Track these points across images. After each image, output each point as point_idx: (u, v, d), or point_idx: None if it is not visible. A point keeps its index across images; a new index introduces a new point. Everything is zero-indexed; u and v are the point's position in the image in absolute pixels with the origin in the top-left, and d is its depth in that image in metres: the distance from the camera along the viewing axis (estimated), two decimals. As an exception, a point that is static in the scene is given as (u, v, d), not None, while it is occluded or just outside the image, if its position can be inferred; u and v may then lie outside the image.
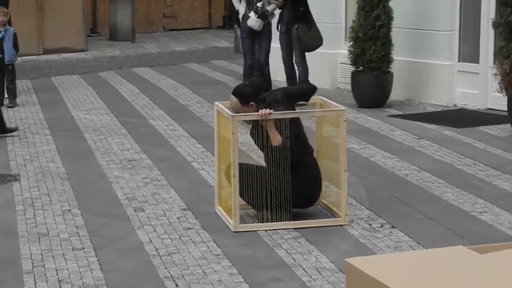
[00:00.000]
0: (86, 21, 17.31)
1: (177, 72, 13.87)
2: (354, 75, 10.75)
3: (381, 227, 6.30)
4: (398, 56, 10.67)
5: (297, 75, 10.97)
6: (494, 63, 9.91)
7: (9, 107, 10.84)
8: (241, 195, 6.36)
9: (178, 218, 6.56)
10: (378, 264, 3.23)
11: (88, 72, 14.09)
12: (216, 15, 20.64)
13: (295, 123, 6.37)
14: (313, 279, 5.36)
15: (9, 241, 6.14)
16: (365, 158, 8.28)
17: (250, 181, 6.32)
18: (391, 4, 10.53)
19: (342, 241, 6.05)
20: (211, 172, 7.63)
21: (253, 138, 6.49)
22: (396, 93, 10.82)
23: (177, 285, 5.31)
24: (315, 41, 10.73)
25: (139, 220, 6.53)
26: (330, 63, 11.96)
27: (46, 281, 5.40)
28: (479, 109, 10.40)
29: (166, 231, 6.26)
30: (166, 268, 5.58)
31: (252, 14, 11.03)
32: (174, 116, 10.29)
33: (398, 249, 5.85)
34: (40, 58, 15.71)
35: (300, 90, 6.70)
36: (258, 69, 11.38)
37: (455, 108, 10.58)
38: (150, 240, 6.08)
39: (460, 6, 10.68)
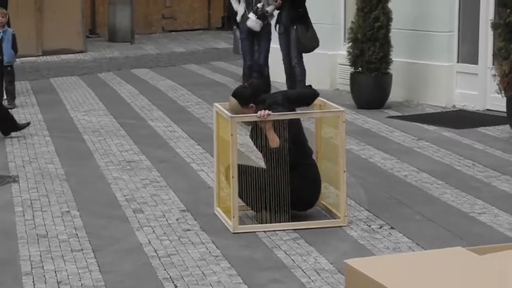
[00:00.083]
0: (85, 23, 17.31)
1: (176, 74, 13.87)
2: (353, 76, 10.75)
3: (380, 228, 6.30)
4: (397, 57, 10.67)
5: (296, 75, 10.95)
6: (493, 64, 9.91)
7: (8, 109, 10.82)
8: (240, 196, 6.36)
9: (177, 219, 6.55)
10: (377, 266, 3.22)
11: (87, 73, 14.09)
12: (215, 16, 20.64)
13: (294, 125, 6.36)
14: (312, 281, 5.36)
15: (8, 242, 6.13)
16: (364, 159, 8.28)
17: (249, 182, 6.32)
18: (390, 5, 10.54)
19: (341, 242, 6.05)
20: (211, 173, 7.63)
21: (252, 140, 6.49)
22: (395, 94, 10.82)
23: (176, 287, 5.31)
24: (311, 42, 10.73)
25: (138, 221, 6.53)
26: (329, 64, 11.96)
27: (45, 283, 5.40)
28: (478, 110, 10.41)
29: (165, 233, 6.26)
30: (165, 269, 5.58)
31: (251, 15, 11.03)
32: (173, 117, 10.29)
33: (398, 250, 5.85)
34: (39, 59, 15.70)
35: (301, 95, 6.68)
36: (257, 70, 11.38)
37: (454, 109, 10.58)
38: (149, 242, 6.08)
39: (459, 8, 10.68)
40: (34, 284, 5.39)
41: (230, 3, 11.86)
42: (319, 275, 5.44)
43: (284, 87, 11.22)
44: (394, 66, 10.66)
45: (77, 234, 6.26)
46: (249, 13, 11.07)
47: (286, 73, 11.10)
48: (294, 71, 10.90)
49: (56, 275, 5.51)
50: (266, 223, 6.31)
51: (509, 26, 9.18)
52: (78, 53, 16.41)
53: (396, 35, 10.63)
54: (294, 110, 6.45)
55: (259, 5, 10.95)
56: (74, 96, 11.88)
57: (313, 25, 10.86)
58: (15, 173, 7.95)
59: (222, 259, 5.73)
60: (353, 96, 10.76)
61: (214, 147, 6.69)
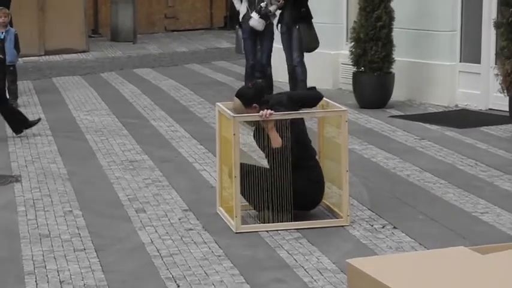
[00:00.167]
0: (88, 22, 17.32)
1: (179, 73, 13.87)
2: (355, 75, 10.75)
3: (383, 227, 6.30)
4: (400, 57, 10.67)
5: (298, 75, 10.94)
6: (495, 64, 9.90)
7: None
8: (243, 195, 6.36)
9: (179, 219, 6.56)
10: (379, 265, 3.22)
11: (89, 73, 14.09)
12: (218, 16, 20.64)
13: (297, 125, 6.36)
14: (315, 280, 5.36)
15: (10, 242, 6.14)
16: (366, 158, 8.28)
17: (252, 182, 6.32)
18: (392, 5, 10.53)
19: (344, 242, 6.05)
20: (213, 173, 7.63)
21: (256, 141, 6.49)
22: (398, 93, 10.81)
23: (178, 286, 5.31)
24: (313, 42, 10.74)
25: (141, 221, 6.53)
26: (332, 64, 11.96)
27: (47, 282, 5.40)
28: (481, 109, 10.40)
29: (167, 232, 6.26)
30: (167, 269, 5.58)
31: (254, 14, 11.02)
32: (176, 117, 10.29)
33: (400, 250, 5.84)
34: (41, 59, 15.71)
35: (305, 96, 6.65)
36: (259, 69, 11.37)
37: (457, 109, 10.57)
38: (152, 241, 6.08)
39: (462, 7, 10.67)
40: (37, 284, 5.39)
41: (232, 3, 11.86)
42: (322, 275, 5.44)
43: (286, 87, 11.22)
44: (397, 66, 10.65)
45: (79, 233, 6.26)
46: (251, 12, 11.06)
47: (289, 73, 11.09)
48: (295, 70, 10.89)
49: (59, 275, 5.51)
50: (268, 223, 6.31)
51: (511, 25, 9.17)
52: (80, 52, 16.42)
53: (398, 34, 10.63)
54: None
55: (262, 4, 10.94)
56: (76, 96, 11.88)
57: (316, 25, 10.85)
58: (18, 172, 7.96)
59: (224, 259, 5.73)
60: (355, 95, 10.75)
61: (216, 146, 6.69)
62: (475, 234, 6.12)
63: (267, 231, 6.23)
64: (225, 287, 5.29)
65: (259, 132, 6.35)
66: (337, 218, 6.44)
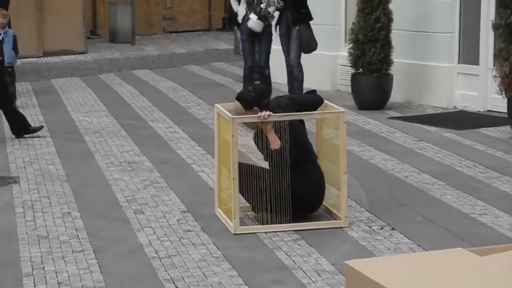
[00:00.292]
0: (86, 24, 17.32)
1: (177, 75, 13.87)
2: (353, 77, 10.75)
3: (381, 229, 6.30)
4: (398, 58, 10.67)
5: (294, 76, 10.92)
6: (494, 65, 9.90)
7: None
8: (242, 194, 6.37)
9: (178, 220, 6.55)
10: (378, 267, 3.22)
11: (88, 74, 14.09)
12: (216, 17, 20.64)
13: (295, 127, 6.36)
14: (313, 282, 5.36)
15: (8, 243, 6.13)
16: (365, 160, 8.28)
17: (251, 182, 6.33)
18: (391, 6, 10.54)
19: (342, 243, 6.05)
20: (211, 174, 7.63)
21: (256, 144, 6.49)
22: (396, 95, 10.82)
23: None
24: (312, 43, 10.74)
25: (139, 222, 6.53)
26: (330, 65, 11.96)
27: (46, 284, 5.40)
28: (479, 111, 10.40)
29: (166, 234, 6.26)
30: (166, 270, 5.57)
31: (252, 16, 11.01)
32: (174, 118, 10.29)
33: (398, 252, 5.84)
34: (40, 60, 15.71)
35: (306, 100, 6.63)
36: (258, 71, 11.37)
37: (455, 110, 10.58)
38: (150, 243, 6.08)
39: (460, 8, 10.68)
40: (35, 285, 5.39)
41: (230, 5, 11.85)
42: (320, 276, 5.44)
43: (285, 88, 11.22)
44: (395, 67, 10.66)
45: (77, 235, 6.26)
46: (249, 14, 11.06)
47: (288, 74, 11.08)
48: (292, 70, 10.87)
49: (57, 276, 5.51)
50: (267, 224, 6.31)
51: (510, 27, 9.18)
52: (79, 54, 16.42)
53: (397, 35, 10.63)
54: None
55: (262, 6, 10.94)
56: (74, 97, 11.88)
57: (314, 26, 10.86)
58: (16, 174, 7.95)
59: (223, 260, 5.73)
60: (354, 97, 10.76)
61: (215, 148, 6.69)
62: (474, 236, 6.12)
63: (265, 232, 6.23)
64: (224, 288, 5.30)
65: (260, 136, 6.35)
66: (335, 220, 6.44)
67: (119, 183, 7.58)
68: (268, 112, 6.20)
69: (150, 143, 9.08)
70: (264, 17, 11.00)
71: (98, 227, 6.42)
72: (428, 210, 6.71)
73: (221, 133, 6.54)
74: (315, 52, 10.91)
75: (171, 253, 5.87)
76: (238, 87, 11.96)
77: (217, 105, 6.64)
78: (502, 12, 9.34)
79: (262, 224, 6.34)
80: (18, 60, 11.89)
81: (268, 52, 11.26)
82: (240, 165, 6.33)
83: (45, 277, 5.50)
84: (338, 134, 6.39)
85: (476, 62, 10.47)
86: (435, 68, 10.78)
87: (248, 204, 6.55)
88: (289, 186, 6.27)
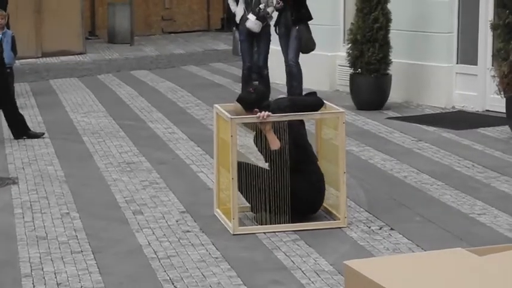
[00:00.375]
0: (85, 24, 17.32)
1: (176, 75, 13.87)
2: (352, 77, 10.75)
3: (380, 229, 6.30)
4: (397, 58, 10.68)
5: (291, 74, 10.91)
6: (492, 65, 9.91)
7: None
8: (242, 193, 6.37)
9: (177, 221, 6.55)
10: (377, 267, 3.22)
11: (86, 75, 14.09)
12: (215, 18, 20.65)
13: (294, 127, 6.35)
14: (312, 282, 5.36)
15: (7, 244, 6.13)
16: (364, 160, 8.28)
17: (251, 181, 6.33)
18: (389, 6, 10.54)
19: (341, 243, 6.05)
20: (210, 175, 7.63)
21: (256, 145, 6.49)
22: (395, 95, 10.82)
23: (175, 288, 5.31)
24: (311, 43, 10.75)
25: (138, 223, 6.52)
26: (329, 66, 11.96)
27: (45, 284, 5.40)
28: (478, 111, 10.41)
29: (165, 234, 6.26)
30: (165, 271, 5.57)
31: (251, 16, 11.01)
32: (173, 119, 10.29)
33: (397, 252, 5.84)
34: (38, 61, 15.71)
35: (307, 103, 6.61)
36: (256, 71, 11.37)
37: (454, 110, 10.58)
38: (149, 243, 6.08)
39: (458, 8, 10.68)
40: (34, 286, 5.38)
41: (229, 5, 11.85)
42: (319, 276, 5.44)
43: (284, 89, 11.23)
44: (394, 67, 10.66)
45: (76, 236, 6.26)
46: (248, 14, 11.06)
47: (287, 74, 11.08)
48: (291, 70, 10.87)
49: (56, 277, 5.51)
50: (266, 224, 6.31)
51: (508, 27, 9.19)
52: (77, 54, 16.42)
53: (396, 36, 10.64)
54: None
55: (261, 6, 10.94)
56: (73, 98, 11.88)
57: (313, 26, 10.87)
58: (15, 174, 7.95)
59: (221, 261, 5.73)
60: (352, 97, 10.76)
61: (214, 148, 6.69)
62: (472, 236, 6.12)
63: (264, 233, 6.23)
64: (223, 288, 5.29)
65: (260, 137, 6.36)
66: (334, 220, 6.44)
67: (118, 183, 7.58)
68: (267, 112, 6.20)
69: (148, 144, 9.08)
70: (263, 17, 11.00)
71: (97, 228, 6.42)
72: (427, 210, 6.71)
73: (220, 133, 6.54)
74: (313, 52, 10.91)
75: (170, 254, 5.87)
76: (237, 87, 11.97)
77: (216, 105, 6.64)
78: (501, 12, 9.34)
79: (261, 225, 6.34)
80: (16, 61, 11.89)
81: (267, 52, 11.26)
82: (240, 164, 6.33)
83: (44, 278, 5.50)
84: (337, 134, 6.39)
85: (474, 62, 10.47)
86: (434, 68, 10.78)
87: (247, 205, 6.56)
88: (288, 187, 6.27)
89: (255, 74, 11.38)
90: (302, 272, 5.53)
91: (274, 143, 6.25)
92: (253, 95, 6.38)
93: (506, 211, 6.63)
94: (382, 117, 10.18)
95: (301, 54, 10.84)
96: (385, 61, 10.55)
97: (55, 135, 9.54)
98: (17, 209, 6.92)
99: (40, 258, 5.83)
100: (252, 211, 6.51)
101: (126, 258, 5.83)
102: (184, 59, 15.82)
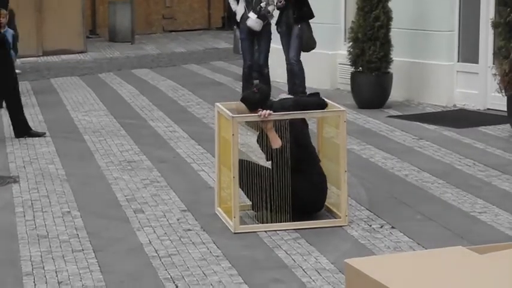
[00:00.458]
0: (85, 23, 17.32)
1: (177, 74, 13.87)
2: (353, 75, 10.75)
3: (381, 227, 6.30)
4: (398, 57, 10.67)
5: (293, 73, 10.92)
6: (493, 63, 9.91)
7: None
8: (243, 190, 6.37)
9: (178, 220, 6.55)
10: (378, 265, 3.22)
11: (87, 73, 14.09)
12: (215, 16, 20.64)
13: (296, 126, 6.35)
14: (313, 280, 5.36)
15: (8, 243, 6.13)
16: (365, 158, 8.28)
17: (252, 180, 6.33)
18: (390, 4, 10.54)
19: (342, 242, 6.05)
20: (211, 173, 7.63)
21: (259, 145, 6.49)
22: (396, 93, 10.82)
23: (176, 287, 5.31)
24: (312, 42, 10.76)
25: (139, 221, 6.53)
26: (330, 64, 11.96)
27: (46, 283, 5.40)
28: (479, 109, 10.41)
29: (166, 233, 6.26)
30: (166, 269, 5.58)
31: (251, 15, 11.01)
32: (174, 117, 10.29)
33: (398, 250, 5.84)
34: (39, 60, 15.71)
35: (311, 103, 6.62)
36: (257, 70, 11.37)
37: (455, 109, 10.58)
38: (150, 242, 6.08)
39: (459, 7, 10.68)
40: (35, 285, 5.39)
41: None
42: (320, 275, 5.44)
43: (284, 87, 11.23)
44: (395, 66, 10.66)
45: (77, 234, 6.26)
46: (249, 13, 11.05)
47: (288, 73, 11.08)
48: (292, 68, 10.88)
49: (57, 276, 5.51)
50: (267, 223, 6.31)
51: (509, 25, 9.18)
52: (78, 53, 16.42)
53: (397, 34, 10.63)
54: (303, 119, 6.45)
55: (262, 4, 10.93)
56: (74, 97, 11.88)
57: (314, 25, 10.87)
58: (16, 173, 7.95)
59: (222, 259, 5.73)
60: (353, 95, 10.75)
61: (215, 147, 6.69)
62: (473, 234, 6.12)
63: (265, 231, 6.23)
64: (224, 287, 5.29)
65: (263, 136, 6.36)
66: (335, 218, 6.44)
67: (119, 182, 7.58)
68: (268, 111, 6.20)
69: (149, 142, 9.08)
70: (264, 16, 11.00)
71: (98, 226, 6.42)
72: (428, 208, 6.71)
73: (221, 132, 6.54)
74: (314, 51, 10.92)
75: (171, 252, 5.87)
76: (238, 86, 11.97)
77: (217, 104, 6.64)
78: (502, 10, 9.34)
79: (262, 223, 6.34)
80: (17, 60, 11.89)
81: (268, 51, 11.26)
82: (241, 162, 6.33)
83: (45, 276, 5.50)
84: (338, 132, 6.39)
85: (475, 60, 10.47)
86: (435, 66, 10.78)
87: (248, 203, 6.56)
88: (289, 186, 6.27)
89: (255, 72, 11.38)
90: (303, 270, 5.53)
91: (276, 142, 6.25)
92: (257, 95, 6.38)
93: (507, 209, 6.63)
94: (383, 116, 10.18)
95: (302, 53, 10.84)
96: (386, 59, 10.54)
97: (56, 133, 9.54)
98: (18, 208, 6.92)
99: (41, 256, 5.84)
100: (253, 209, 6.52)
101: (127, 256, 5.83)
102: (185, 58, 15.82)
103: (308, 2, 10.79)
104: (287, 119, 6.26)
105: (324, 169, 6.54)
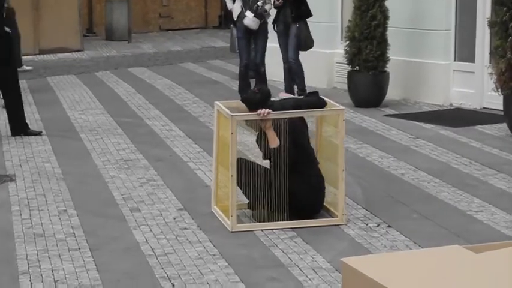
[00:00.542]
0: (82, 21, 17.30)
1: (174, 72, 13.87)
2: (350, 74, 10.75)
3: (377, 226, 6.31)
4: (394, 56, 10.68)
5: (292, 72, 10.92)
6: (490, 63, 9.91)
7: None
8: (241, 188, 6.37)
9: (174, 218, 6.55)
10: (374, 264, 3.22)
11: (84, 72, 14.08)
12: (212, 15, 20.64)
13: (297, 128, 6.34)
14: (310, 279, 5.36)
15: (5, 242, 6.13)
16: (361, 157, 8.28)
17: (250, 178, 6.33)
18: (387, 3, 10.54)
19: (338, 241, 6.05)
20: (208, 172, 7.63)
21: (258, 145, 6.48)
22: (392, 92, 10.82)
23: (173, 285, 5.31)
24: (310, 41, 10.75)
25: (136, 220, 6.52)
26: (326, 63, 11.96)
27: (42, 282, 5.40)
28: (475, 108, 10.41)
29: (162, 231, 6.26)
30: (162, 268, 5.57)
31: (248, 13, 11.00)
32: (170, 116, 10.28)
33: (395, 249, 5.85)
34: (36, 58, 15.68)
35: (311, 103, 6.62)
36: (253, 69, 11.36)
37: (451, 108, 10.58)
38: (146, 241, 6.08)
39: (456, 6, 10.68)
40: (31, 283, 5.38)
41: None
42: (317, 274, 5.44)
43: (281, 86, 11.23)
44: (391, 65, 10.66)
45: (74, 233, 6.25)
46: (245, 11, 11.04)
47: (285, 71, 11.08)
48: (291, 66, 10.88)
49: (53, 274, 5.50)
50: (264, 222, 6.31)
51: (505, 24, 9.19)
52: (75, 51, 16.40)
53: (393, 33, 10.63)
54: (303, 119, 6.44)
55: (259, 3, 10.93)
56: (71, 95, 11.87)
57: (310, 24, 10.87)
58: (12, 172, 7.94)
59: (219, 258, 5.73)
60: (350, 94, 10.76)
61: (214, 145, 6.69)
62: (470, 233, 6.13)
63: (262, 230, 6.23)
64: (220, 286, 5.29)
65: (262, 136, 6.35)
66: (332, 217, 6.44)
67: (115, 181, 7.58)
68: (267, 110, 6.20)
69: (146, 141, 9.08)
70: (260, 15, 10.99)
71: (94, 225, 6.42)
72: (425, 207, 6.72)
73: (220, 130, 6.53)
74: (311, 50, 10.92)
75: (167, 251, 5.87)
76: (235, 84, 11.96)
77: (217, 102, 6.64)
78: (498, 10, 9.34)
79: (259, 222, 6.34)
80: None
81: (264, 50, 11.25)
82: (239, 160, 6.33)
83: (41, 275, 5.50)
84: (336, 131, 6.39)
85: (472, 59, 10.48)
86: (431, 65, 10.78)
87: (245, 202, 6.56)
88: (287, 185, 6.27)
89: (252, 71, 11.37)
90: (299, 269, 5.53)
91: (273, 141, 6.25)
92: (258, 96, 6.38)
93: (504, 208, 6.64)
94: (380, 115, 10.18)
95: (299, 52, 10.84)
96: (382, 58, 10.55)
97: (52, 132, 9.54)
98: (14, 206, 6.91)
99: (37, 255, 5.83)
100: (249, 208, 6.52)
101: (124, 255, 5.83)
102: (182, 56, 15.81)
103: (306, 0, 10.79)
104: (286, 119, 6.26)
105: (321, 168, 6.54)
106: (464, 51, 10.63)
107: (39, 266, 5.64)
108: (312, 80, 11.33)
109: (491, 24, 9.49)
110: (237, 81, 11.63)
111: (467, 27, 10.55)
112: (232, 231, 6.21)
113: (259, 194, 6.34)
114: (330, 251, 5.81)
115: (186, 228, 6.32)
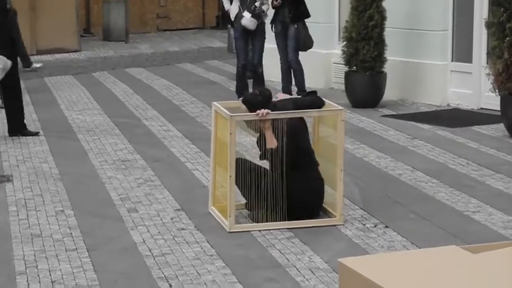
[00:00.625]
0: (79, 22, 17.30)
1: (171, 73, 13.86)
2: (347, 75, 10.75)
3: (375, 226, 6.31)
4: (392, 56, 10.68)
5: (293, 73, 10.94)
6: (487, 63, 9.92)
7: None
8: (239, 188, 6.37)
9: (171, 219, 6.55)
10: (371, 264, 3.22)
11: (81, 72, 14.08)
12: (210, 16, 20.64)
13: (297, 129, 6.33)
14: (307, 279, 5.36)
15: (2, 242, 6.12)
16: (359, 158, 8.28)
17: (248, 178, 6.33)
18: (384, 4, 10.54)
19: (336, 241, 6.05)
20: (205, 172, 7.63)
21: (258, 146, 6.48)
22: (390, 93, 10.82)
23: (170, 286, 5.31)
24: (309, 41, 10.76)
25: (133, 221, 6.52)
26: (324, 63, 11.97)
27: (39, 282, 5.39)
28: (473, 109, 10.42)
29: (159, 232, 6.25)
30: (159, 268, 5.57)
31: (246, 14, 11.00)
32: (168, 117, 10.28)
33: (392, 249, 5.85)
34: (33, 58, 15.66)
35: (311, 104, 6.61)
36: (251, 69, 11.36)
37: (449, 108, 10.59)
38: (144, 241, 6.07)
39: (453, 6, 10.69)
40: (28, 284, 5.38)
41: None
42: (314, 274, 5.44)
43: (279, 86, 11.23)
44: (389, 65, 10.67)
45: (71, 233, 6.25)
46: (243, 12, 11.05)
47: (282, 72, 11.09)
48: (292, 68, 10.89)
49: (50, 275, 5.50)
50: (261, 222, 6.31)
51: (503, 25, 9.19)
52: (72, 52, 16.40)
53: (391, 33, 10.64)
54: (303, 119, 6.44)
55: (257, 4, 10.93)
56: (68, 96, 11.87)
57: (308, 24, 10.87)
58: (9, 172, 7.94)
59: (216, 258, 5.73)
60: (347, 95, 10.76)
61: (211, 146, 6.69)
62: (467, 233, 6.13)
63: (259, 230, 6.22)
64: (217, 286, 5.29)
65: (261, 137, 6.35)
66: (329, 218, 6.44)
67: (113, 181, 7.57)
68: (266, 110, 6.20)
69: (143, 141, 9.08)
70: (258, 15, 11.00)
71: (91, 225, 6.42)
72: (422, 207, 6.72)
73: (218, 131, 6.53)
74: (308, 50, 10.92)
75: (164, 251, 5.87)
76: (232, 85, 11.96)
77: (214, 103, 6.63)
78: (495, 10, 9.35)
79: (257, 222, 6.33)
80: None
81: (262, 50, 11.26)
82: (238, 160, 6.33)
83: (38, 276, 5.49)
84: (336, 132, 6.38)
85: (469, 60, 10.49)
86: (429, 66, 10.79)
87: (242, 203, 6.56)
88: (285, 186, 6.26)
89: (249, 71, 11.37)
90: (297, 269, 5.53)
91: (272, 142, 6.24)
92: (259, 97, 6.37)
93: (501, 209, 6.64)
94: (377, 115, 10.19)
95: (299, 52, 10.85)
96: (380, 59, 10.55)
97: (50, 132, 9.53)
98: (11, 207, 6.91)
99: (34, 256, 5.83)
100: (247, 209, 6.51)
101: (121, 255, 5.82)
102: (180, 57, 15.81)
103: (304, 1, 10.80)
104: (285, 120, 6.25)
105: (320, 168, 6.53)
106: (462, 52, 10.64)
107: (37, 267, 5.63)
108: (310, 81, 11.33)
109: (489, 25, 9.50)
110: (235, 82, 11.64)
111: (464, 27, 10.56)
112: (229, 232, 6.20)
113: (257, 194, 6.33)
114: (327, 252, 5.81)
115: (183, 229, 6.32)
